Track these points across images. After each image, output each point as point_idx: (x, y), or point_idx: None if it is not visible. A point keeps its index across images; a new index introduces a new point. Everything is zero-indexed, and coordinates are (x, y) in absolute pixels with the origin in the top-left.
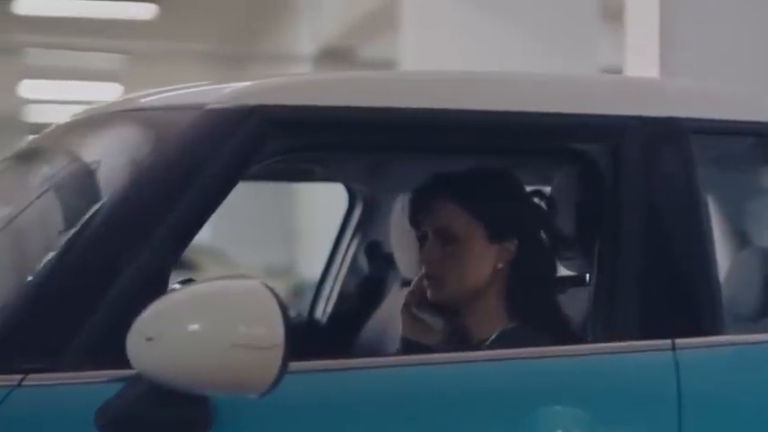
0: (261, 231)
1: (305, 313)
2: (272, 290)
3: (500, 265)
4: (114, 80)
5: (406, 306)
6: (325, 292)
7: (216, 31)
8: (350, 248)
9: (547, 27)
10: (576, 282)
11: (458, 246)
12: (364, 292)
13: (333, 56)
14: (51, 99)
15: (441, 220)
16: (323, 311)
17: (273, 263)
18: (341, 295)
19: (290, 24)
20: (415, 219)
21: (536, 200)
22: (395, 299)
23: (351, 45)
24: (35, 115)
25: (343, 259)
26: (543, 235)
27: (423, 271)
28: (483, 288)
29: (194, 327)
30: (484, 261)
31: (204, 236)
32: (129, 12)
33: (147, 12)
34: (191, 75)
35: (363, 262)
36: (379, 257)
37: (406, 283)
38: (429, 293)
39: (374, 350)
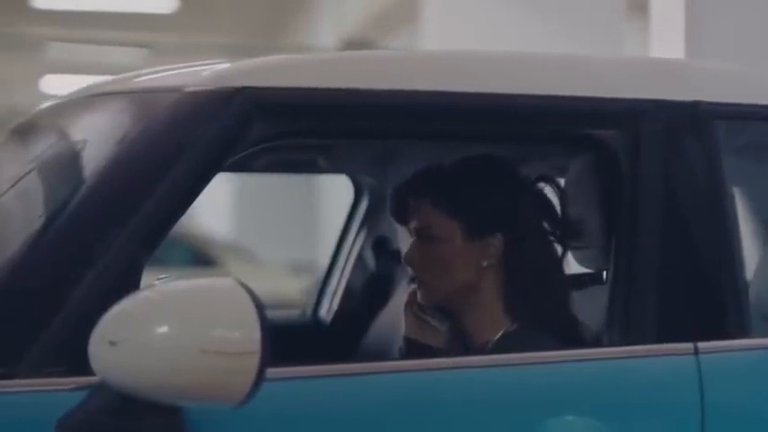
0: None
1: (309, 311)
2: (248, 289)
3: (485, 263)
4: None
5: (409, 305)
6: (330, 290)
7: (237, 25)
8: (356, 244)
9: (572, 20)
10: (593, 279)
11: (436, 246)
12: (371, 290)
13: (354, 48)
14: None
15: (418, 220)
16: (327, 310)
17: (297, 260)
18: (346, 293)
19: (312, 17)
20: (398, 218)
21: (541, 189)
22: (402, 297)
23: (372, 38)
24: None
25: (348, 256)
26: (546, 228)
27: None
28: (472, 288)
29: (162, 330)
30: (465, 260)
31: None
32: (151, 5)
33: (169, 5)
34: None
35: (370, 258)
36: (386, 254)
37: (413, 280)
38: (418, 295)
39: (380, 351)
